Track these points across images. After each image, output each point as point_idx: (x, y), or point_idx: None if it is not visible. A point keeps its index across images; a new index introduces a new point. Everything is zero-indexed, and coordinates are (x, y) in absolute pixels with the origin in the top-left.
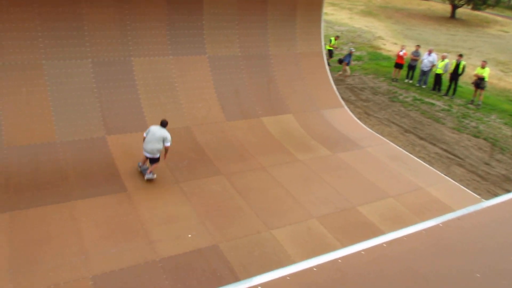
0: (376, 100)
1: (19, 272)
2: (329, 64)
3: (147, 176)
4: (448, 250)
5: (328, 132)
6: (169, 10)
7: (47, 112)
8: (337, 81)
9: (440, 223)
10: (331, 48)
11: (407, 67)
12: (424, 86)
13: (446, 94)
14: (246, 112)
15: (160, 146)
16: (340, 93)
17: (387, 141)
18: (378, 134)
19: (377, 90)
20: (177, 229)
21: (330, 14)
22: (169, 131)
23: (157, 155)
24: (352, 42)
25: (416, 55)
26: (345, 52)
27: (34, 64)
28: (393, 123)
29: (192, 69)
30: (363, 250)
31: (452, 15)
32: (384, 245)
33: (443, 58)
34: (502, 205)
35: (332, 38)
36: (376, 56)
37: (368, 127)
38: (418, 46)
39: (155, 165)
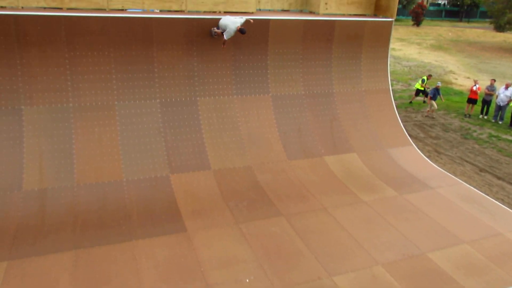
0: (447, 137)
1: None
2: (424, 102)
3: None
4: None
5: (394, 172)
6: (234, 51)
7: (116, 151)
8: (405, 118)
9: None
10: (422, 88)
11: (481, 102)
12: (500, 122)
13: None
14: (308, 151)
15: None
16: (407, 130)
17: (460, 181)
18: (450, 173)
19: (448, 127)
20: (235, 272)
21: (398, 49)
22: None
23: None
24: (421, 78)
25: (491, 89)
26: (413, 88)
27: (107, 105)
28: (466, 161)
29: (255, 108)
30: None
31: None
32: None
33: None
34: None
35: (425, 77)
36: (447, 91)
37: (438, 166)
38: (493, 80)
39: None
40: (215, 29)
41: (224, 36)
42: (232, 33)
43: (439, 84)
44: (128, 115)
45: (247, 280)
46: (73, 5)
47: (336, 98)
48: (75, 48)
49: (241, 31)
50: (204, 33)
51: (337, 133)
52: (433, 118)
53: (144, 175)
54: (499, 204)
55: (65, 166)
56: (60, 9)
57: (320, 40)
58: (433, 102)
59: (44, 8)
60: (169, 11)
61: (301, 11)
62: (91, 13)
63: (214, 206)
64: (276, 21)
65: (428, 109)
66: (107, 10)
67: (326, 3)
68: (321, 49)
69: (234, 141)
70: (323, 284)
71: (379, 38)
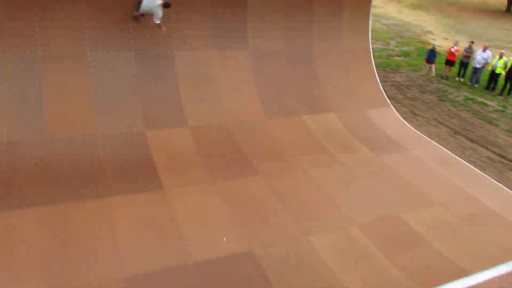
0: (424, 98)
1: (52, 270)
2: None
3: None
4: None
5: (372, 133)
6: (212, 3)
7: (90, 104)
8: (383, 78)
9: None
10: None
11: (459, 64)
12: (476, 85)
13: (501, 94)
14: (287, 110)
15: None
16: (385, 90)
17: (435, 143)
18: (425, 135)
19: (425, 88)
20: (211, 231)
21: (378, 7)
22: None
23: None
24: (400, 37)
25: (469, 51)
26: (392, 47)
27: (79, 54)
28: (441, 123)
29: (234, 64)
30: None
31: (508, 9)
32: None
33: (501, 55)
34: None
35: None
36: (424, 52)
37: (414, 127)
38: (472, 42)
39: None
40: (137, 13)
41: (155, 20)
42: (160, 13)
43: (436, 45)
44: (101, 67)
45: (224, 239)
46: None
47: (316, 55)
48: None
49: (165, 5)
50: None
51: (316, 91)
52: (431, 82)
53: (119, 129)
54: (472, 166)
55: (35, 118)
56: None
57: None
58: (431, 65)
59: None
60: None
61: None
62: None
63: (191, 164)
64: None
65: (429, 73)
66: None
67: None
68: (302, 4)
69: (210, 97)
70: (299, 244)
71: None
